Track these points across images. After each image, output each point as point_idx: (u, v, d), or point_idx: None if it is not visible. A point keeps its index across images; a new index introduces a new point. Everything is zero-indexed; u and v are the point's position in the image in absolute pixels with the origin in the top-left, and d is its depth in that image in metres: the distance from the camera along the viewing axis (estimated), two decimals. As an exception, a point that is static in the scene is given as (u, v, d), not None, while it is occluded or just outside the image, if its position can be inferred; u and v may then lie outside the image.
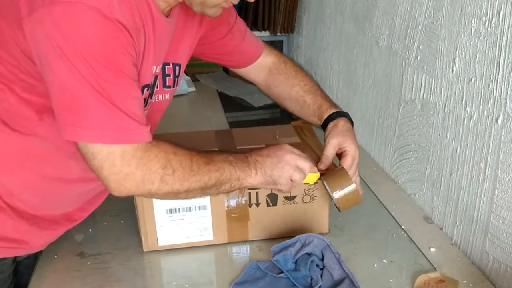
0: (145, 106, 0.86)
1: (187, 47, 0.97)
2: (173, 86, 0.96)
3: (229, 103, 1.82)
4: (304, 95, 1.08)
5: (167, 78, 0.94)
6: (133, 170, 0.75)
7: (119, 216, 1.08)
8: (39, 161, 0.83)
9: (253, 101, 1.87)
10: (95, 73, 0.69)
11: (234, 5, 0.84)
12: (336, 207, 0.95)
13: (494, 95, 0.89)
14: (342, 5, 1.59)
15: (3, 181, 0.83)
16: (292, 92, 1.09)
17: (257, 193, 0.97)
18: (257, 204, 0.98)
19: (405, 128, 1.21)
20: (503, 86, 0.86)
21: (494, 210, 0.92)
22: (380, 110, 1.35)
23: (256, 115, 1.82)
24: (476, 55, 0.93)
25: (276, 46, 2.42)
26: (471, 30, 0.93)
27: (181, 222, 0.97)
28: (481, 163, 0.94)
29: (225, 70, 2.26)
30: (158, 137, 0.81)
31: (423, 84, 1.12)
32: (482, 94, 0.92)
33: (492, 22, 0.87)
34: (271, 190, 0.96)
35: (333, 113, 1.03)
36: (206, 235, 0.99)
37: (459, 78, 0.98)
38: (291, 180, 0.90)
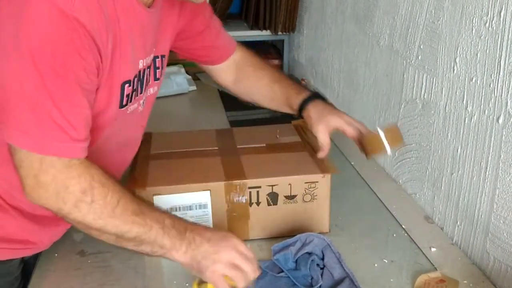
0: (131, 101, 0.83)
1: (168, 39, 0.96)
2: (160, 78, 0.96)
3: (230, 102, 1.81)
4: (273, 85, 1.08)
5: (157, 70, 0.93)
6: (48, 180, 0.69)
7: (119, 215, 1.08)
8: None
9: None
10: (38, 73, 0.64)
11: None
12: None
13: (495, 94, 0.89)
14: (343, 4, 1.58)
15: (1, 183, 0.81)
16: (261, 83, 1.10)
17: (257, 192, 0.97)
18: (258, 203, 0.98)
19: (406, 127, 1.21)
20: (504, 85, 0.86)
21: (495, 210, 0.91)
22: (381, 110, 1.35)
23: (257, 115, 1.81)
24: (477, 54, 0.93)
25: (277, 45, 2.43)
26: (472, 30, 0.93)
27: (181, 221, 0.97)
28: (482, 163, 0.94)
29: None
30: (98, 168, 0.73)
31: (424, 83, 1.12)
32: (483, 93, 0.92)
33: (493, 22, 0.87)
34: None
35: (303, 101, 1.01)
36: (207, 234, 0.99)
37: (460, 77, 0.98)
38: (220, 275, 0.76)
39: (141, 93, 0.88)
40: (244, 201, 0.98)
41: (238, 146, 1.10)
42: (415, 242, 1.03)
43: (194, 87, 1.93)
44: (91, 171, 0.71)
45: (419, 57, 1.13)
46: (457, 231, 1.04)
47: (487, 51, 0.90)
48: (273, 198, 0.99)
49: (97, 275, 0.92)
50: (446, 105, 1.04)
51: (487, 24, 0.89)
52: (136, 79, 0.83)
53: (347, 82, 1.60)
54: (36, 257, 0.95)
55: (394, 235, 1.06)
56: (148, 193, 0.94)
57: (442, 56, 1.04)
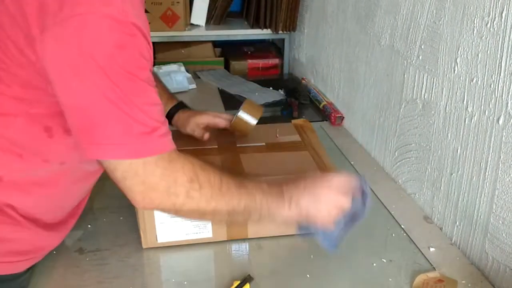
0: None
1: None
2: None
3: (230, 101, 1.81)
4: None
5: None
6: (157, 180, 0.71)
7: (118, 213, 1.08)
8: (47, 186, 0.81)
9: (254, 99, 1.86)
10: (113, 84, 0.66)
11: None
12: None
13: (496, 95, 0.89)
14: (344, 3, 1.58)
15: (16, 199, 0.80)
16: None
17: (257, 191, 0.97)
18: (257, 202, 0.98)
19: (406, 127, 1.21)
20: (504, 86, 0.86)
21: (494, 211, 0.91)
22: (381, 109, 1.35)
23: (257, 113, 1.81)
24: (478, 55, 0.92)
25: (278, 44, 2.43)
26: (474, 30, 0.93)
27: (180, 219, 0.97)
28: (481, 164, 0.94)
29: (226, 67, 2.26)
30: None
31: (424, 83, 1.12)
32: (484, 94, 0.92)
33: (495, 23, 0.87)
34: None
35: (171, 108, 1.11)
36: (206, 232, 0.99)
37: (461, 78, 0.98)
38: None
39: None
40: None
41: (237, 145, 1.10)
42: (414, 242, 1.03)
43: (194, 86, 1.93)
44: (189, 159, 0.75)
45: (420, 57, 1.13)
46: (456, 231, 1.04)
47: (488, 51, 0.90)
48: (272, 197, 0.98)
49: (96, 272, 0.92)
50: (446, 105, 1.04)
51: (489, 25, 0.89)
52: None
53: (347, 82, 1.60)
54: None
55: (393, 234, 1.06)
56: (147, 191, 0.93)
57: (443, 56, 1.04)
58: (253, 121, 1.10)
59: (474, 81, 0.94)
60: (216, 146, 1.09)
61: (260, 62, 2.27)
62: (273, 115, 1.74)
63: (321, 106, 1.72)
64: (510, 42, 0.84)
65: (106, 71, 0.65)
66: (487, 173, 0.93)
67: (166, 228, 0.97)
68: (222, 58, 2.29)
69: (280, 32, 2.12)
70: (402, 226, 1.08)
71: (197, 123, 1.10)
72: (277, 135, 1.14)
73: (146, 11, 1.05)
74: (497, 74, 0.88)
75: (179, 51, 2.24)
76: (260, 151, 1.07)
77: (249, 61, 2.25)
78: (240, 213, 0.77)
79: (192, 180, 0.73)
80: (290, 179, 0.83)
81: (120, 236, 1.02)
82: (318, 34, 1.86)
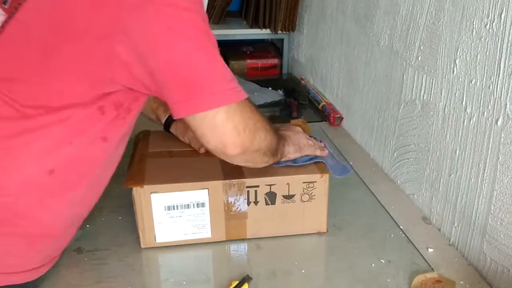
0: None
1: None
2: None
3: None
4: None
5: None
6: (247, 121, 0.79)
7: (117, 213, 1.08)
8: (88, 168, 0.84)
9: (253, 99, 1.86)
10: (204, 42, 0.75)
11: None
12: None
13: (494, 96, 0.89)
14: (343, 4, 1.58)
15: (67, 197, 0.82)
16: None
17: (255, 191, 0.97)
18: (256, 203, 0.98)
19: (405, 128, 1.21)
20: (503, 88, 0.86)
21: (492, 212, 0.92)
22: (380, 110, 1.35)
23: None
24: (477, 56, 0.93)
25: (277, 44, 2.42)
26: (473, 31, 0.93)
27: (179, 219, 0.97)
28: (480, 165, 0.94)
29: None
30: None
31: (423, 84, 1.12)
32: (483, 95, 0.92)
33: (494, 24, 0.87)
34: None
35: (169, 117, 1.10)
36: (204, 232, 0.99)
37: (460, 79, 0.98)
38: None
39: None
40: (242, 200, 0.97)
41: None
42: (412, 243, 1.03)
43: (193, 85, 1.93)
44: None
45: (419, 58, 1.13)
46: (454, 232, 1.04)
47: (487, 53, 0.90)
48: (271, 197, 0.99)
49: (94, 272, 0.92)
50: (445, 106, 1.04)
51: (488, 26, 0.89)
52: None
53: (346, 82, 1.60)
54: None
55: (392, 235, 1.06)
56: (145, 191, 0.94)
57: (442, 57, 1.04)
58: None
59: (473, 82, 0.94)
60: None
61: (259, 62, 2.26)
62: (272, 115, 1.74)
63: (320, 106, 1.72)
64: (509, 44, 0.84)
65: (197, 30, 0.74)
66: (485, 174, 0.93)
67: (164, 228, 0.97)
68: (221, 58, 2.28)
69: (279, 32, 2.12)
70: (401, 227, 1.08)
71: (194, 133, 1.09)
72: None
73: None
74: (496, 75, 0.88)
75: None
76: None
77: (248, 61, 2.25)
78: (274, 153, 0.90)
79: (260, 119, 0.83)
80: (280, 130, 0.98)
81: (118, 236, 1.02)
82: (318, 34, 1.86)
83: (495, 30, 0.87)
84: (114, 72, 0.74)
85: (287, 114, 1.70)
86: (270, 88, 1.94)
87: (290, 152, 0.97)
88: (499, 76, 0.87)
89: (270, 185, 0.98)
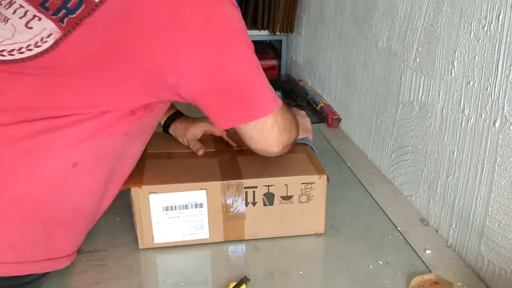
0: None
1: None
2: None
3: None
4: None
5: None
6: (287, 123, 0.90)
7: (115, 213, 1.08)
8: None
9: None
10: (255, 57, 0.84)
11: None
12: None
13: (492, 98, 0.89)
14: (342, 5, 1.59)
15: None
16: None
17: (253, 192, 0.97)
18: (254, 203, 0.98)
19: (403, 130, 1.22)
20: (501, 89, 0.87)
21: (489, 213, 0.92)
22: (378, 112, 1.35)
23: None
24: (475, 58, 0.93)
25: (275, 45, 2.43)
26: (471, 33, 0.94)
27: (177, 220, 0.97)
28: (477, 166, 0.94)
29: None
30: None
31: (421, 86, 1.12)
32: (480, 97, 0.92)
33: (492, 26, 0.88)
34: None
35: (168, 118, 1.12)
36: (202, 233, 0.99)
37: (458, 81, 0.99)
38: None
39: None
40: (240, 201, 0.97)
41: (235, 148, 1.10)
42: (410, 244, 1.03)
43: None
44: None
45: (417, 60, 1.13)
46: (452, 234, 1.04)
47: (485, 54, 0.90)
48: (269, 198, 0.99)
49: (92, 273, 0.92)
50: (443, 108, 1.04)
51: (485, 28, 0.89)
52: None
53: (344, 83, 1.60)
54: None
55: (389, 237, 1.06)
56: (143, 192, 0.94)
57: (440, 59, 1.04)
58: None
59: (471, 84, 0.95)
60: (214, 148, 1.09)
61: (258, 63, 2.26)
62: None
63: (318, 108, 1.72)
64: (506, 45, 0.84)
65: (247, 48, 0.82)
66: (483, 176, 0.93)
67: (162, 228, 0.97)
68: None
69: (278, 33, 2.12)
70: (399, 228, 1.08)
71: (193, 134, 1.10)
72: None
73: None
74: (494, 77, 0.88)
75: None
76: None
77: (247, 62, 2.25)
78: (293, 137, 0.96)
79: (294, 116, 0.95)
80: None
81: (117, 236, 1.02)
82: (316, 35, 1.87)
83: (493, 32, 0.87)
84: (161, 91, 0.82)
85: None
86: (268, 89, 1.93)
87: (299, 134, 1.04)
88: (497, 77, 0.87)
89: (268, 186, 0.98)
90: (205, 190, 0.95)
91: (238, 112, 0.85)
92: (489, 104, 0.90)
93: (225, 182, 0.96)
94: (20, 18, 0.80)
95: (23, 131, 0.76)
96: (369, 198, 1.20)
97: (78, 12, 0.78)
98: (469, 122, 0.96)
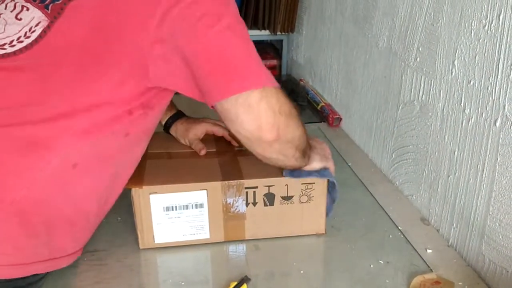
0: None
1: None
2: None
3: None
4: None
5: None
6: (281, 107, 0.79)
7: (116, 213, 1.08)
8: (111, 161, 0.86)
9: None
10: (242, 30, 0.79)
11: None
12: None
13: (493, 97, 0.89)
14: (342, 5, 1.59)
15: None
16: None
17: (254, 192, 0.97)
18: (254, 204, 0.98)
19: (404, 129, 1.22)
20: (501, 89, 0.87)
21: (490, 213, 0.92)
22: (379, 111, 1.35)
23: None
24: (475, 57, 0.93)
25: (276, 45, 2.43)
26: (471, 33, 0.93)
27: (177, 220, 0.97)
28: (478, 166, 0.94)
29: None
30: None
31: (422, 85, 1.12)
32: (481, 96, 0.92)
33: (492, 25, 0.87)
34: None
35: (169, 118, 1.12)
36: (203, 233, 0.99)
37: (458, 80, 0.99)
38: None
39: None
40: (240, 201, 0.97)
41: (236, 148, 1.10)
42: (411, 244, 1.03)
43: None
44: None
45: (418, 59, 1.13)
46: (453, 233, 1.04)
47: (486, 54, 0.90)
48: (269, 198, 0.99)
49: (93, 273, 0.92)
50: (443, 107, 1.04)
51: (486, 27, 0.89)
52: None
53: (345, 83, 1.60)
54: None
55: (390, 236, 1.06)
56: (144, 192, 0.94)
57: (441, 58, 1.04)
58: None
59: (472, 83, 0.94)
60: (215, 148, 1.09)
61: (258, 63, 2.26)
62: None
63: (319, 107, 1.72)
64: (507, 45, 0.84)
65: (235, 20, 0.78)
66: (484, 175, 0.93)
67: (163, 229, 0.97)
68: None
69: (279, 33, 2.12)
70: (399, 228, 1.08)
71: (195, 135, 1.10)
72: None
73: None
74: (494, 76, 0.88)
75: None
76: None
77: (247, 62, 2.25)
78: (302, 149, 0.88)
79: (292, 107, 0.83)
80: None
81: (117, 236, 1.02)
82: (316, 35, 1.87)
83: (493, 31, 0.87)
84: (151, 64, 0.78)
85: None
86: (269, 89, 1.93)
87: (316, 160, 0.95)
88: (497, 77, 0.87)
89: (269, 186, 0.98)
90: (205, 190, 0.96)
91: (218, 84, 0.79)
92: (489, 103, 0.90)
93: (226, 182, 0.96)
94: (11, 11, 0.80)
95: (23, 131, 0.76)
96: (369, 198, 1.20)
97: None
98: (470, 122, 0.96)
